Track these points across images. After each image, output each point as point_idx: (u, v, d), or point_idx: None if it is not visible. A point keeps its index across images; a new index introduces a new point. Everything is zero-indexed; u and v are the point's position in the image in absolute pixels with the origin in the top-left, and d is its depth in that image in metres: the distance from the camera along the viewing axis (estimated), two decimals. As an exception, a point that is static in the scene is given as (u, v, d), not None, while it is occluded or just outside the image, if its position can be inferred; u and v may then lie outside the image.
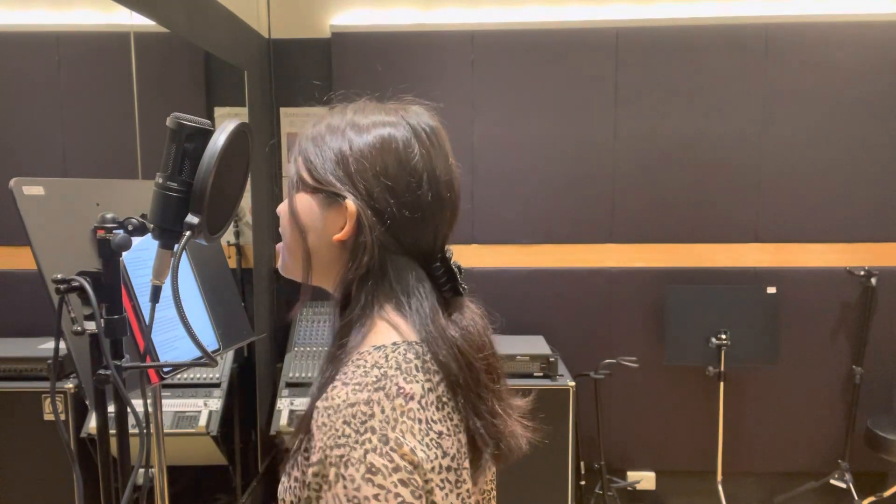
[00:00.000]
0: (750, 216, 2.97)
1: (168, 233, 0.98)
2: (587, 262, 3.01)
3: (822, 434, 3.01)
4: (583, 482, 2.92)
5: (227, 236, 2.82)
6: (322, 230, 0.77)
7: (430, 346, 0.73)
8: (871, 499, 2.89)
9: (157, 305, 1.04)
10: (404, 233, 0.76)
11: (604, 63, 2.92)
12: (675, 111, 2.93)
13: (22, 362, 2.38)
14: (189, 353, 1.51)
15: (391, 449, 0.64)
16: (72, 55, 2.56)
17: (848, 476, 2.88)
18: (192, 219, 0.94)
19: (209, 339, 1.67)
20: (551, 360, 2.64)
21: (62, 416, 2.28)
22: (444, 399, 0.71)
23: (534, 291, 3.01)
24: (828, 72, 2.88)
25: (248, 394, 2.80)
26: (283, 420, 2.62)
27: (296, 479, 0.72)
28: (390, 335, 0.73)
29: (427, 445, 0.67)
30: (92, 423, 2.30)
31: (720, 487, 2.87)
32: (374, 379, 0.67)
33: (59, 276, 1.04)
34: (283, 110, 3.05)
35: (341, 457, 0.63)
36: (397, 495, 0.63)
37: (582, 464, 2.94)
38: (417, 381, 0.69)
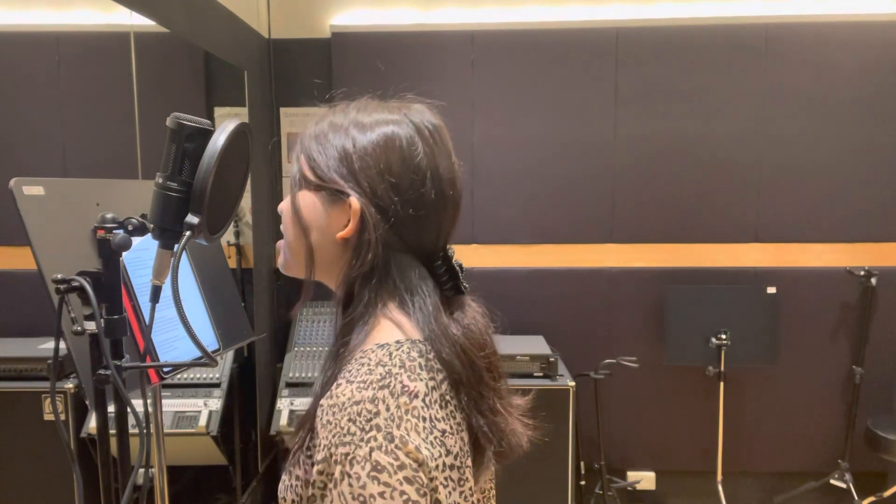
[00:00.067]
0: (750, 216, 2.97)
1: (168, 233, 0.98)
2: (587, 262, 3.01)
3: (821, 434, 3.01)
4: (583, 482, 2.92)
5: (227, 236, 2.82)
6: (325, 228, 0.77)
7: (433, 344, 0.73)
8: (871, 499, 2.89)
9: (157, 305, 1.04)
10: (408, 230, 0.76)
11: (604, 63, 2.92)
12: (675, 111, 2.93)
13: (22, 362, 2.38)
14: (189, 353, 1.51)
15: (396, 447, 0.64)
16: (72, 55, 2.56)
17: (848, 476, 2.88)
18: (192, 219, 0.94)
19: (209, 339, 1.67)
20: (551, 360, 2.64)
21: (62, 416, 2.28)
22: (448, 397, 0.71)
23: (534, 291, 3.01)
24: (828, 72, 2.88)
25: (248, 394, 2.79)
26: (283, 420, 2.62)
27: (297, 478, 0.72)
28: (394, 333, 0.73)
29: (431, 443, 0.67)
30: (92, 423, 2.30)
31: (720, 487, 2.87)
32: (379, 377, 0.67)
33: (59, 276, 1.04)
34: (283, 110, 3.05)
35: (346, 454, 0.64)
36: (403, 493, 0.63)
37: (582, 464, 2.94)
38: (421, 380, 0.69)
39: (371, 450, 0.63)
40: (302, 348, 2.85)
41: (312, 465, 0.68)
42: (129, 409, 1.10)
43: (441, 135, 0.79)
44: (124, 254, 1.09)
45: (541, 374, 2.64)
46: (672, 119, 2.93)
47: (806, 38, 2.87)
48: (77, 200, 1.30)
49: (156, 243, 1.01)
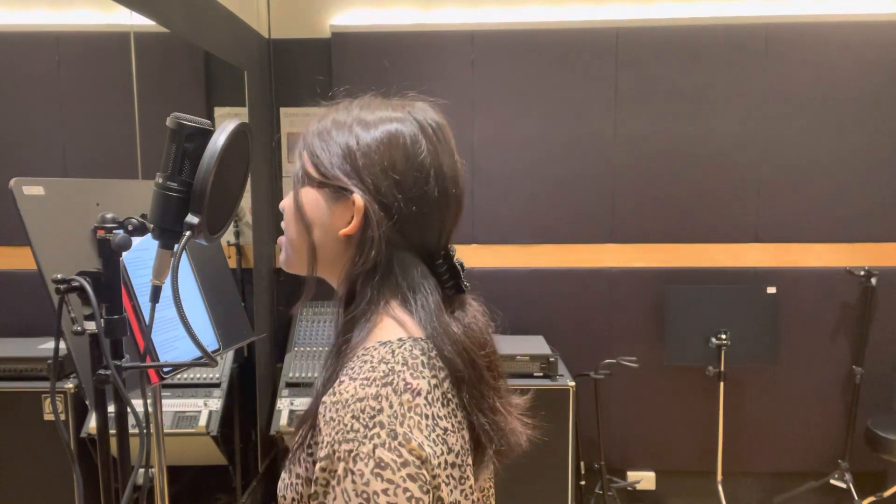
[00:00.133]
0: (750, 216, 2.97)
1: (168, 233, 0.98)
2: (587, 262, 3.01)
3: (821, 434, 3.01)
4: (583, 482, 2.92)
5: (227, 236, 2.82)
6: (328, 225, 0.77)
7: (435, 342, 0.73)
8: (871, 499, 2.89)
9: (157, 305, 1.04)
10: (411, 228, 0.76)
11: (604, 63, 2.92)
12: (675, 111, 2.93)
13: (22, 362, 2.38)
14: (189, 353, 1.51)
15: (400, 444, 0.64)
16: (72, 55, 2.56)
17: (848, 476, 2.88)
18: (192, 219, 0.94)
19: (209, 339, 1.67)
20: (551, 360, 2.64)
21: (62, 416, 2.28)
22: (449, 395, 0.72)
23: (534, 291, 3.01)
24: (828, 72, 2.88)
25: (248, 394, 2.80)
26: (283, 420, 2.62)
27: (297, 476, 0.72)
28: (396, 331, 0.73)
29: (434, 441, 0.67)
30: (92, 423, 2.30)
31: (720, 487, 2.87)
32: (382, 374, 0.67)
33: (59, 276, 1.04)
34: (283, 110, 3.05)
35: (350, 451, 0.64)
36: (406, 490, 0.63)
37: (582, 464, 2.94)
38: (424, 377, 0.69)
39: (375, 447, 0.63)
40: (302, 348, 2.85)
41: (314, 462, 0.68)
42: (129, 409, 1.10)
43: (444, 133, 0.79)
44: (124, 254, 1.09)
45: (541, 374, 2.64)
46: (672, 119, 2.94)
47: (806, 39, 2.87)
48: (77, 200, 1.30)
49: (156, 243, 1.01)
